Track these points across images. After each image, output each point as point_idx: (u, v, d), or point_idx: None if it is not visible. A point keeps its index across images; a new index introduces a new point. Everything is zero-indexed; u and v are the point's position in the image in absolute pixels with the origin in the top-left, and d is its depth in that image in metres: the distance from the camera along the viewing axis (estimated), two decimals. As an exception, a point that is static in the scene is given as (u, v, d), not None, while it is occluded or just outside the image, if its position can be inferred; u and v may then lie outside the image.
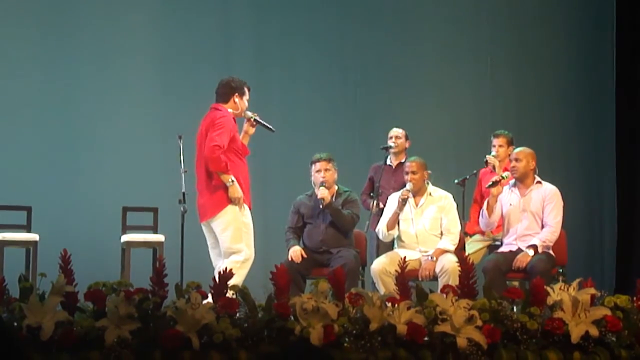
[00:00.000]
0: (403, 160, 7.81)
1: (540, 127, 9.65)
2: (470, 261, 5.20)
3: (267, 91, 8.80)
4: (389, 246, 7.27)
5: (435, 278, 6.86)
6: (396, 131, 7.96)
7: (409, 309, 4.85)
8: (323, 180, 7.13)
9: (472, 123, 9.56)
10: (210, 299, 4.88)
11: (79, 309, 4.78)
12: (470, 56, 9.79)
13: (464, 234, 7.45)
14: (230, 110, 6.49)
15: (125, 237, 7.38)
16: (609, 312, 5.08)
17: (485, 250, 7.54)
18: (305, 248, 7.16)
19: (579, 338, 4.96)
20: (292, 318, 4.78)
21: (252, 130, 6.67)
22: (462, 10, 9.83)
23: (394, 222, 7.12)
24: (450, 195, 7.24)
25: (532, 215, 6.93)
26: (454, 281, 5.89)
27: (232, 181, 6.32)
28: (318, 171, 7.18)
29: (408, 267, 5.15)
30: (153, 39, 9.13)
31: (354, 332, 4.78)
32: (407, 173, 7.17)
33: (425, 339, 4.84)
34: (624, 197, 9.50)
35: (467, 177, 7.89)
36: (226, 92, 6.53)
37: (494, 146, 7.73)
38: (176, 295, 4.83)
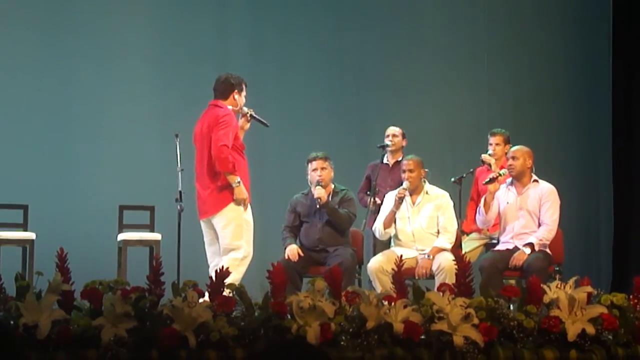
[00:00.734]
0: (400, 159, 7.80)
1: (537, 126, 9.65)
2: (467, 259, 5.22)
3: (263, 88, 8.78)
4: (386, 244, 7.27)
5: (432, 276, 6.85)
6: (393, 129, 7.96)
7: (405, 307, 4.86)
8: (319, 179, 7.12)
9: (468, 121, 9.56)
10: (207, 298, 4.89)
11: (75, 308, 4.79)
12: (467, 54, 9.78)
13: (461, 233, 7.45)
14: (229, 107, 6.49)
15: (122, 236, 7.38)
16: (605, 311, 5.09)
17: (482, 248, 7.54)
18: (301, 247, 7.15)
19: (576, 336, 4.97)
20: (288, 316, 4.79)
21: (247, 126, 6.67)
22: (459, 7, 9.82)
23: (391, 220, 7.12)
24: (447, 194, 7.24)
25: (528, 213, 6.93)
26: (451, 279, 5.88)
27: (239, 182, 6.33)
28: (314, 170, 7.17)
29: (405, 266, 5.17)
30: (149, 36, 9.11)
31: (351, 330, 4.79)
32: (404, 171, 7.17)
33: (422, 337, 4.85)
34: (620, 195, 9.51)
35: (464, 175, 7.90)
36: (225, 88, 6.52)
37: (491, 144, 7.73)
38: (173, 294, 4.84)
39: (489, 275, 6.51)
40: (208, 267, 6.46)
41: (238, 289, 4.93)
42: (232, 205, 6.37)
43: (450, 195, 7.27)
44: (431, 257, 6.91)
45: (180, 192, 6.67)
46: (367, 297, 4.86)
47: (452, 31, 9.75)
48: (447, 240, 7.02)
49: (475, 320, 4.86)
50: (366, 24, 9.58)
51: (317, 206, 7.10)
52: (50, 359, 4.56)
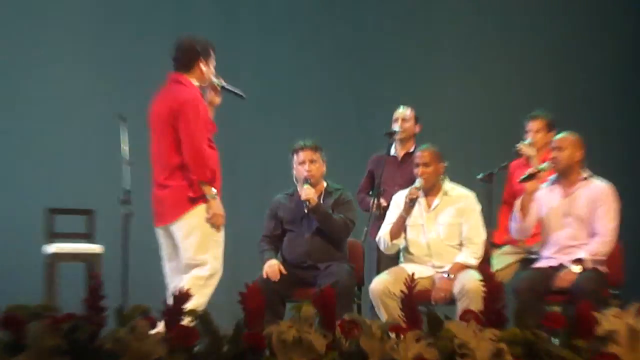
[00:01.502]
0: (412, 150, 7.82)
1: (589, 109, 9.68)
2: (499, 279, 5.21)
3: (236, 61, 8.79)
4: (393, 260, 7.30)
5: (452, 301, 6.88)
6: (403, 112, 7.98)
7: (418, 341, 4.86)
8: (308, 175, 7.14)
9: (500, 102, 9.60)
10: (161, 328, 4.88)
11: (-10, 340, 4.78)
12: (499, 15, 9.81)
13: (490, 245, 7.47)
14: (195, 82, 6.48)
15: (51, 248, 7.38)
16: (676, 346, 5.10)
17: (518, 265, 7.57)
18: (284, 262, 7.17)
19: (638, 379, 4.99)
20: (267, 352, 4.79)
21: (217, 100, 6.64)
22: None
23: (400, 229, 7.13)
24: (472, 195, 7.26)
25: (578, 220, 6.96)
26: (477, 305, 5.89)
27: (215, 195, 6.35)
28: (301, 163, 7.18)
29: (417, 287, 5.16)
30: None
31: (348, 370, 4.79)
32: (417, 166, 7.19)
33: (440, 380, 4.86)
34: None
35: (495, 171, 7.89)
36: (189, 57, 6.50)
37: (529, 131, 7.76)
38: (117, 323, 4.83)
39: (527, 300, 6.52)
40: (163, 288, 6.46)
41: (202, 317, 4.92)
42: (197, 208, 6.37)
43: (477, 197, 7.29)
44: (452, 276, 6.93)
45: (127, 191, 6.66)
46: (369, 328, 4.85)
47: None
48: (472, 254, 7.04)
49: (509, 358, 4.86)
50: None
51: (305, 210, 7.11)
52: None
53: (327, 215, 7.12)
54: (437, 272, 7.04)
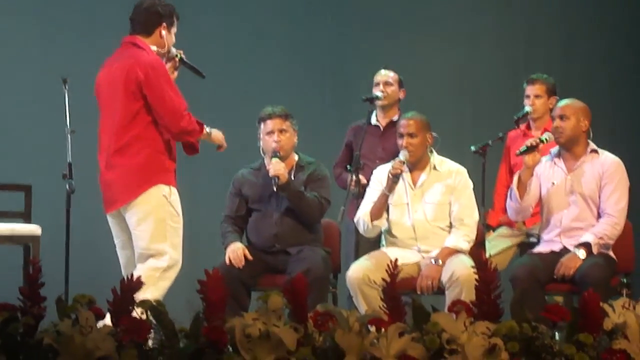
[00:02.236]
0: (395, 118, 7.83)
1: (596, 72, 9.70)
2: (493, 266, 5.22)
3: (196, 21, 8.78)
4: (374, 244, 7.31)
5: (440, 290, 6.90)
6: (385, 75, 7.99)
7: (401, 335, 4.87)
8: (277, 147, 7.13)
9: (495, 65, 9.61)
10: (108, 320, 4.87)
11: None
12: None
13: (485, 227, 7.51)
14: (153, 47, 6.50)
15: (-19, 229, 7.36)
16: (692, 341, 5.13)
17: (515, 250, 7.63)
18: (250, 246, 7.18)
19: (651, 378, 5.01)
20: (229, 349, 4.79)
21: (174, 75, 6.69)
22: None
23: (382, 208, 7.14)
24: (464, 170, 7.27)
25: (583, 199, 6.98)
26: (468, 295, 5.91)
27: (210, 131, 6.62)
28: (269, 133, 7.17)
29: (401, 275, 5.17)
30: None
31: (322, 369, 4.80)
32: (401, 136, 7.19)
33: (426, 379, 4.87)
34: None
35: (490, 142, 7.91)
36: (150, 20, 6.54)
37: (528, 96, 7.79)
38: (58, 315, 4.82)
39: (525, 290, 6.52)
40: (113, 276, 6.41)
41: (154, 308, 4.91)
42: (152, 191, 6.38)
43: (469, 172, 7.30)
44: (440, 262, 6.95)
45: (69, 164, 6.64)
46: (346, 321, 4.86)
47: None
48: (463, 237, 7.06)
49: (504, 356, 4.88)
50: None
51: (274, 187, 7.10)
52: None
53: (299, 193, 7.11)
54: (424, 257, 7.06)
